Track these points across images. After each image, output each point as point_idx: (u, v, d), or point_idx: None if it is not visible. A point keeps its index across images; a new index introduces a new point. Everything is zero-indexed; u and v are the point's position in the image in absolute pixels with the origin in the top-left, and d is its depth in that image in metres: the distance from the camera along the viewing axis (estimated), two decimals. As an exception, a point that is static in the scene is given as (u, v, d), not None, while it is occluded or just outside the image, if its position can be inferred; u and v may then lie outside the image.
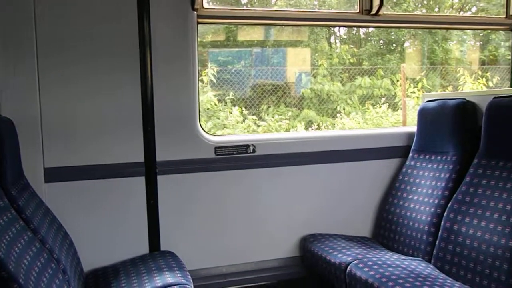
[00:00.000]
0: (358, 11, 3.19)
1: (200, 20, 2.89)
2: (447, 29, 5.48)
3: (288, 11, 3.48)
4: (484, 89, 7.03)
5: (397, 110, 7.52)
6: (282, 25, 3.91)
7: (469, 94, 2.96)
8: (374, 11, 3.14)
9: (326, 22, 3.26)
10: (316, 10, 6.53)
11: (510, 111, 2.51)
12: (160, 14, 2.72)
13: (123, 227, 2.77)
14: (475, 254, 2.42)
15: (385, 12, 3.19)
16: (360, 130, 5.88)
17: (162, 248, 2.85)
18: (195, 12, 2.82)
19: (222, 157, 2.91)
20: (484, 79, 7.38)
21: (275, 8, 7.14)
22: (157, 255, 2.72)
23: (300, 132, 6.41)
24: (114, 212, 2.76)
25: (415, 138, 3.14)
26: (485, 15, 7.05)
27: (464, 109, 2.84)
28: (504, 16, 3.56)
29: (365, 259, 2.57)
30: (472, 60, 8.92)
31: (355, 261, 2.56)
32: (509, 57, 3.64)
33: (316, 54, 8.20)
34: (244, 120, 6.72)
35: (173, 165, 2.83)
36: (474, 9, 9.40)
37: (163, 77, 2.76)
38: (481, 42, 9.13)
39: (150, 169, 2.79)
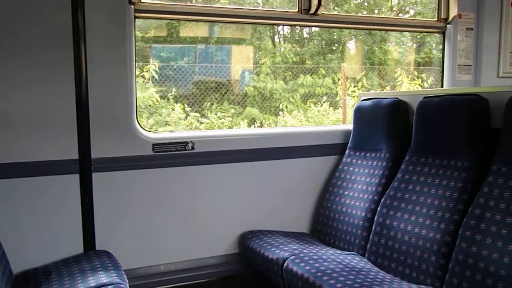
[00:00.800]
0: (297, 10, 3.23)
1: (137, 14, 2.83)
2: (383, 30, 5.66)
3: (228, 8, 3.47)
4: (420, 89, 7.31)
5: (338, 108, 7.69)
6: (222, 21, 3.91)
7: (401, 94, 3.08)
8: (312, 10, 3.19)
9: (265, 20, 3.29)
10: (255, 8, 6.54)
11: (438, 111, 2.63)
12: (95, 6, 2.63)
13: (56, 227, 2.67)
14: (406, 247, 2.52)
15: (323, 12, 3.25)
16: (298, 127, 5.97)
17: (98, 247, 2.77)
18: (132, 6, 2.76)
19: (160, 154, 2.87)
20: (419, 80, 7.68)
21: (217, 4, 7.12)
22: (91, 255, 2.65)
23: (239, 129, 6.43)
24: (47, 211, 2.65)
25: (351, 136, 3.23)
26: (418, 18, 7.35)
27: (397, 108, 2.94)
28: (436, 19, 3.72)
29: (302, 255, 2.62)
30: (409, 61, 9.25)
31: (292, 257, 2.60)
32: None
33: (260, 53, 8.25)
34: (186, 117, 6.65)
35: (109, 162, 2.75)
36: (412, 12, 9.75)
37: (99, 71, 2.68)
38: (417, 44, 9.48)
39: (85, 167, 2.70)
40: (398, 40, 9.58)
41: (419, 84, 7.53)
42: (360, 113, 3.17)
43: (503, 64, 3.74)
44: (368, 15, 7.96)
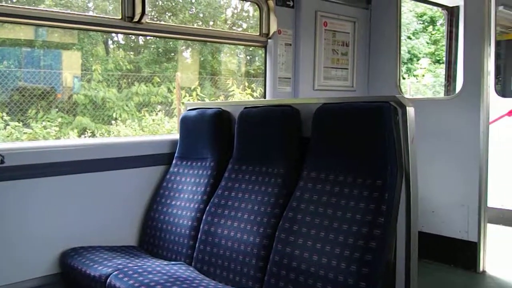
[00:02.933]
0: (120, 17, 3.15)
1: None
2: (209, 42, 5.82)
3: (45, 11, 3.23)
4: (251, 98, 7.67)
5: (174, 117, 7.69)
6: (37, 25, 3.62)
7: (225, 104, 3.19)
8: (136, 18, 3.14)
9: (87, 26, 3.14)
10: (76, 12, 6.22)
11: (257, 120, 2.78)
12: None
13: None
14: (229, 253, 2.60)
15: (147, 21, 3.22)
16: (124, 138, 5.84)
17: None
18: None
19: (-38, 170, 2.55)
20: (250, 90, 8.06)
21: (39, 6, 6.61)
22: None
23: (60, 140, 6.04)
24: None
25: (178, 145, 3.24)
26: (243, 32, 7.75)
27: (220, 117, 3.04)
28: (259, 34, 3.93)
29: (126, 269, 2.53)
30: (242, 72, 9.66)
31: (116, 272, 2.50)
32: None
33: (91, 59, 7.88)
34: (5, 127, 6.04)
35: None
36: (245, 25, 10.22)
37: None
38: (250, 56, 9.94)
39: None
40: (233, 52, 9.94)
41: (250, 94, 7.91)
42: (186, 123, 3.21)
43: (317, 78, 4.10)
44: (194, 27, 8.14)
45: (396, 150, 2.20)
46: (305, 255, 2.27)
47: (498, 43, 6.34)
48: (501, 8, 5.48)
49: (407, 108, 2.20)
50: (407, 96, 12.46)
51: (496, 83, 5.67)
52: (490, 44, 3.80)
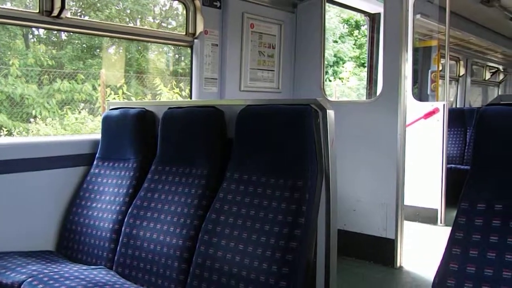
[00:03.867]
0: (38, 11, 3.00)
1: None
2: (134, 40, 5.68)
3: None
4: (179, 98, 7.58)
5: (98, 116, 7.45)
6: None
7: (149, 104, 3.13)
8: (55, 13, 3.00)
9: (0, 19, 2.96)
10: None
11: (180, 121, 2.75)
12: None
13: None
14: (152, 256, 2.55)
15: (67, 16, 3.09)
16: (43, 137, 5.57)
17: None
18: None
19: None
20: (178, 89, 7.98)
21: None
22: None
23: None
24: None
25: (99, 146, 3.13)
26: (170, 31, 7.65)
27: (143, 118, 2.97)
28: (185, 33, 3.89)
29: (41, 275, 2.41)
30: (171, 71, 9.54)
31: (30, 279, 2.37)
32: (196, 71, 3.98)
33: (9, 53, 7.47)
34: None
35: None
36: (174, 23, 10.08)
37: None
38: (178, 55, 9.83)
39: None
40: (161, 50, 9.78)
41: (178, 93, 7.82)
42: (108, 123, 3.11)
43: (244, 79, 4.12)
44: (118, 24, 7.92)
45: (317, 152, 2.26)
46: (228, 256, 2.28)
47: (416, 50, 6.70)
48: (418, 16, 5.80)
49: (327, 111, 2.26)
50: (332, 98, 12.87)
51: (413, 88, 5.98)
52: (407, 50, 4.00)
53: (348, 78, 14.48)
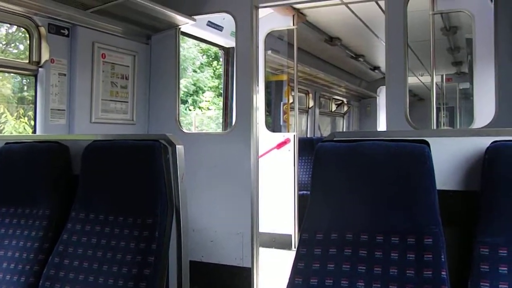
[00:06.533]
0: None
1: None
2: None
3: None
4: (27, 128, 7.01)
5: None
6: None
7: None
8: None
9: None
10: None
11: (19, 158, 2.53)
12: None
13: None
14: None
15: None
16: None
17: None
18: None
19: None
20: (26, 118, 7.37)
21: None
22: None
23: None
24: None
25: None
26: (10, 59, 7.11)
27: None
28: (28, 61, 3.62)
29: None
30: (19, 98, 8.81)
31: None
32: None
33: None
34: None
35: None
36: (22, 47, 9.36)
37: None
38: (27, 80, 9.13)
39: None
40: (7, 74, 9.01)
41: (25, 122, 7.23)
42: None
43: (95, 111, 3.94)
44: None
45: (167, 188, 2.23)
46: None
47: (269, 83, 7.07)
48: (269, 52, 6.14)
49: (177, 146, 2.26)
50: (192, 127, 12.96)
51: (266, 119, 6.27)
52: (258, 84, 4.19)
53: (207, 107, 14.73)
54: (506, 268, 1.61)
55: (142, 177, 2.25)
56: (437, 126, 7.65)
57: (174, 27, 4.43)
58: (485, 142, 1.80)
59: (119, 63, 4.18)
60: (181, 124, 4.53)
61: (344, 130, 11.71)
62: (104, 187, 2.33)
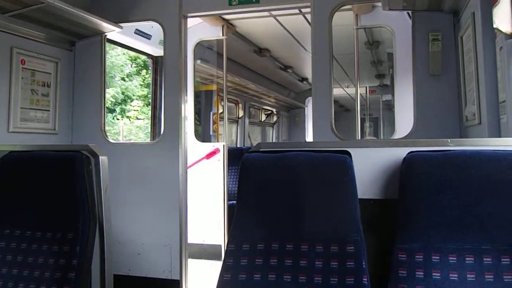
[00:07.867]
0: None
1: None
2: None
3: None
4: None
5: None
6: None
7: None
8: None
9: None
10: None
11: None
12: None
13: None
14: None
15: None
16: None
17: None
18: None
19: None
20: None
21: None
22: None
23: None
24: None
25: None
26: None
27: None
28: None
29: None
30: None
31: None
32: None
33: None
34: None
35: None
36: None
37: None
38: None
39: None
40: None
41: None
42: None
43: (13, 119, 3.73)
44: None
45: (89, 200, 2.15)
46: None
47: (198, 93, 7.04)
48: (199, 62, 6.12)
49: (100, 157, 2.19)
50: (120, 137, 12.62)
51: (196, 129, 6.23)
52: (186, 93, 4.16)
53: (136, 116, 14.41)
54: (422, 273, 1.70)
55: (63, 190, 2.15)
56: (362, 136, 7.96)
57: (100, 34, 4.31)
58: (403, 152, 1.89)
59: (40, 70, 3.99)
60: (107, 134, 4.39)
61: (273, 140, 11.88)
62: (21, 201, 2.21)
